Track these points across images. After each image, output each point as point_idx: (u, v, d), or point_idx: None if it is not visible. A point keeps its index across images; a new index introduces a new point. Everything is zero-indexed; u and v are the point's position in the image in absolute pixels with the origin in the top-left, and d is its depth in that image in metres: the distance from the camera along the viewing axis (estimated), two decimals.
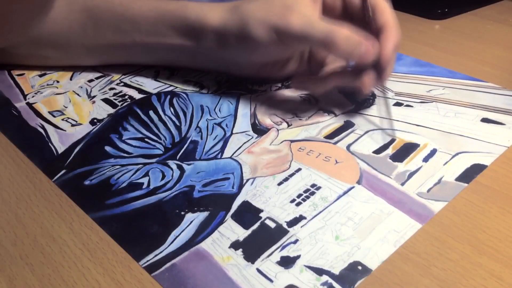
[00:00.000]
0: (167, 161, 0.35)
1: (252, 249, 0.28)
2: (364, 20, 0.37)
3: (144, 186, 0.33)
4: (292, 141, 0.37)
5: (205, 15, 0.39)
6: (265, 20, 0.36)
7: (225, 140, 0.37)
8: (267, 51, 0.39)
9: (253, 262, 0.27)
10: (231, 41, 0.39)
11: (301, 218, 0.30)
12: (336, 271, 0.26)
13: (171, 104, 0.42)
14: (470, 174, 0.33)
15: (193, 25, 0.40)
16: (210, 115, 0.40)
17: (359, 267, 0.26)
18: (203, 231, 0.29)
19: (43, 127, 0.40)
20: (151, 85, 0.45)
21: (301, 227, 0.29)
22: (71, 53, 0.47)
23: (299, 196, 0.31)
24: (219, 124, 0.39)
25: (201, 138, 0.38)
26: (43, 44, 0.46)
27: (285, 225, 0.29)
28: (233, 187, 0.32)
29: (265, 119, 0.40)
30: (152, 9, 0.41)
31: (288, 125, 0.39)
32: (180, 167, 0.34)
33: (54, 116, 0.41)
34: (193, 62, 0.45)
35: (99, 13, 0.43)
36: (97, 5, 0.43)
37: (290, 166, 0.34)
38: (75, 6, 0.44)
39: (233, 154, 0.36)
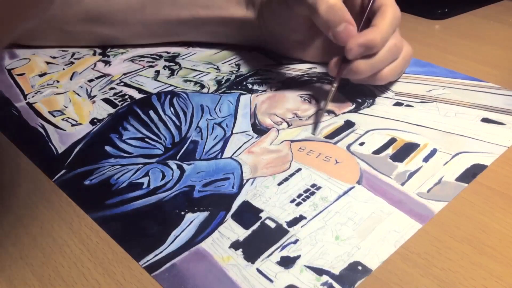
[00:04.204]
0: (167, 161, 0.35)
1: (252, 249, 0.28)
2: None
3: (144, 186, 0.33)
4: (292, 141, 0.37)
5: None
6: None
7: (225, 140, 0.37)
8: (286, 17, 0.44)
9: (253, 262, 0.27)
10: (267, 11, 0.45)
11: (301, 218, 0.30)
12: (336, 271, 0.26)
13: (171, 104, 0.42)
14: (470, 174, 0.33)
15: None
16: (210, 115, 0.40)
17: (359, 267, 0.26)
18: (203, 231, 0.29)
19: (43, 127, 0.40)
20: (151, 85, 0.45)
21: (301, 227, 0.29)
22: (128, 30, 0.49)
23: (299, 196, 0.31)
24: (219, 124, 0.39)
25: (201, 138, 0.38)
26: (101, 22, 0.48)
27: (285, 225, 0.29)
28: (233, 187, 0.32)
29: (265, 119, 0.40)
30: None
31: (288, 125, 0.39)
32: (180, 167, 0.34)
33: (54, 116, 0.41)
34: (238, 35, 0.49)
35: None
36: None
37: (290, 166, 0.34)
38: None
39: (233, 154, 0.36)
